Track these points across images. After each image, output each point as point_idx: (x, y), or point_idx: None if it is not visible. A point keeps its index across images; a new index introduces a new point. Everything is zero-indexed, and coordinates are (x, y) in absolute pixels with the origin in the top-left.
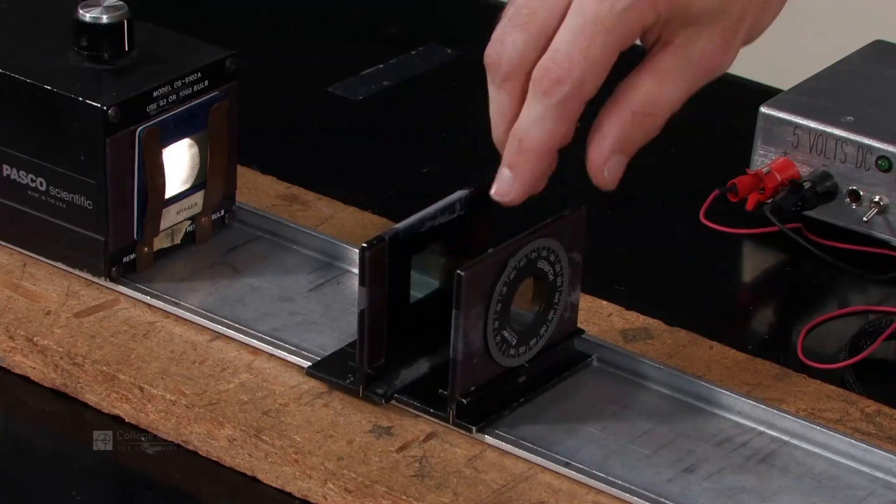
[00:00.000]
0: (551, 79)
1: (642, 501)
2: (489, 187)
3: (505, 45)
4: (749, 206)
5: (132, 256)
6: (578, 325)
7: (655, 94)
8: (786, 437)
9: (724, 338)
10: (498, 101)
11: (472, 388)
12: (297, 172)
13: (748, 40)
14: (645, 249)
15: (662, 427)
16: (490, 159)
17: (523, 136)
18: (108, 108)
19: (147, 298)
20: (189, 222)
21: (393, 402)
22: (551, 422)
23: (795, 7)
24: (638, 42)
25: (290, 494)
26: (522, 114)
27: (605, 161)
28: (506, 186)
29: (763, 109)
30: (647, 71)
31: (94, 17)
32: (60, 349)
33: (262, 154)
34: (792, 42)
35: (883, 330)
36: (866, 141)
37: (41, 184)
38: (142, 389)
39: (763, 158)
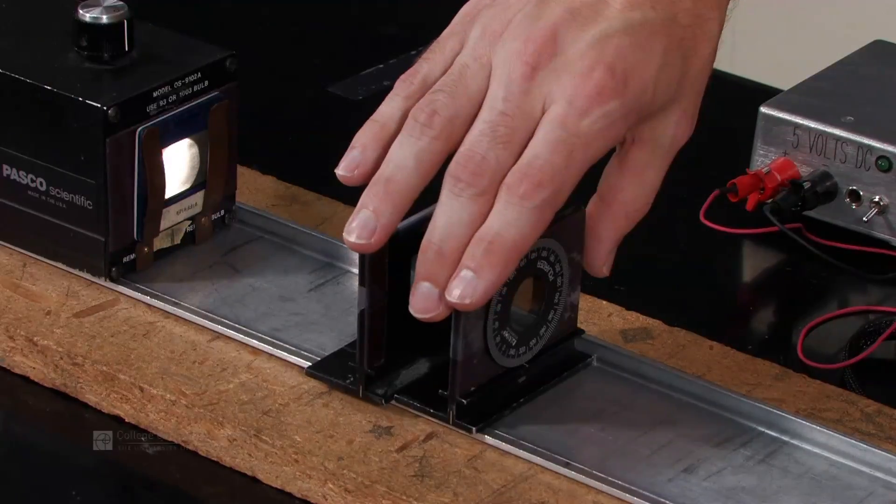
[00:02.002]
0: (532, 183)
1: (642, 501)
2: None
3: (488, 160)
4: (749, 206)
5: (132, 256)
6: (578, 325)
7: (640, 189)
8: (786, 437)
9: (724, 338)
10: (463, 213)
11: (472, 389)
12: (297, 172)
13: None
14: (645, 249)
15: (662, 427)
16: None
17: (493, 238)
18: (108, 108)
19: (147, 298)
20: (189, 222)
21: (393, 402)
22: (551, 422)
23: (795, 7)
24: None
25: (290, 494)
26: (492, 218)
27: (604, 259)
28: (467, 289)
29: (763, 109)
30: (628, 172)
31: (94, 18)
32: (60, 349)
33: (262, 154)
34: (792, 42)
35: (883, 330)
36: (866, 141)
37: (41, 184)
38: (142, 389)
39: (763, 158)
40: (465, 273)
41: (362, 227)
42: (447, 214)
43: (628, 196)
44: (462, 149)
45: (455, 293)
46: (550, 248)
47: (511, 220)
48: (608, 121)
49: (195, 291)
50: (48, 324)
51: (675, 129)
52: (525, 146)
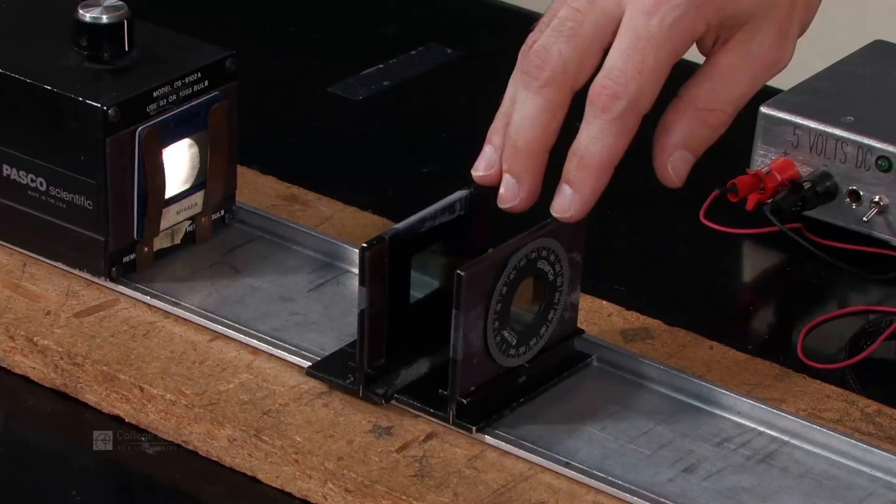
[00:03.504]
0: (608, 95)
1: (642, 501)
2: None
3: (550, 52)
4: (749, 206)
5: (132, 256)
6: (578, 325)
7: (718, 90)
8: (786, 437)
9: (724, 338)
10: (529, 105)
11: (472, 388)
12: (297, 172)
13: (803, 30)
14: (645, 249)
15: (662, 427)
16: None
17: (584, 153)
18: (108, 108)
19: (147, 298)
20: (189, 222)
21: (393, 402)
22: (551, 422)
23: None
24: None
25: (290, 494)
26: (581, 132)
27: (669, 156)
28: (566, 203)
29: (763, 109)
30: (709, 69)
31: (94, 17)
32: (60, 349)
33: (262, 154)
34: None
35: (883, 330)
36: (866, 141)
37: (41, 184)
38: (142, 389)
39: (763, 158)
40: (564, 188)
41: (508, 192)
42: (518, 109)
43: (702, 89)
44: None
45: (556, 206)
46: (550, 248)
47: (595, 134)
48: (678, 13)
49: (195, 291)
50: (48, 324)
51: (763, 38)
52: (599, 44)
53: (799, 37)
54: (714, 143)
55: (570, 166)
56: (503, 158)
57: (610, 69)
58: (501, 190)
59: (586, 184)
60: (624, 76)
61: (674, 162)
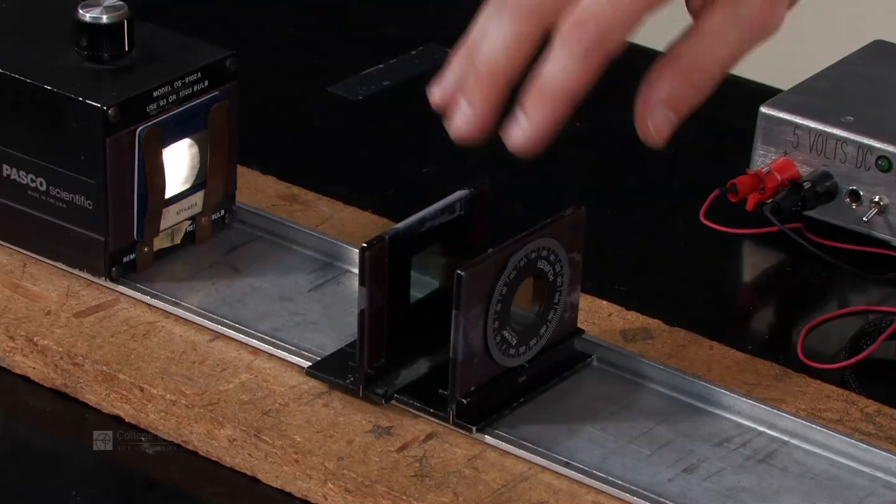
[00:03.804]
0: (575, 22)
1: (642, 501)
2: (489, 187)
3: None
4: (749, 206)
5: (132, 256)
6: (578, 325)
7: (703, 49)
8: (786, 437)
9: (724, 338)
10: (498, 33)
11: (472, 388)
12: (297, 172)
13: (793, 1)
14: (645, 249)
15: (662, 427)
16: (490, 160)
17: (542, 81)
18: (108, 108)
19: (147, 298)
20: (189, 222)
21: (393, 402)
22: (551, 422)
23: (796, 7)
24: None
25: (290, 494)
26: (544, 62)
27: (650, 111)
28: (518, 131)
29: (763, 109)
30: (696, 28)
31: (94, 17)
32: (60, 349)
33: (262, 154)
34: (792, 42)
35: (883, 330)
36: (866, 141)
37: (41, 184)
38: (142, 389)
39: (763, 158)
40: (518, 116)
41: (459, 118)
42: (487, 38)
43: (687, 47)
44: None
45: (508, 136)
46: (550, 248)
47: (556, 62)
48: None
49: (195, 291)
50: (48, 324)
51: (758, 3)
52: None
53: (790, 7)
54: (698, 105)
55: (527, 94)
56: (463, 85)
57: (584, 1)
58: (454, 117)
59: (540, 112)
60: (596, 5)
61: (654, 118)
